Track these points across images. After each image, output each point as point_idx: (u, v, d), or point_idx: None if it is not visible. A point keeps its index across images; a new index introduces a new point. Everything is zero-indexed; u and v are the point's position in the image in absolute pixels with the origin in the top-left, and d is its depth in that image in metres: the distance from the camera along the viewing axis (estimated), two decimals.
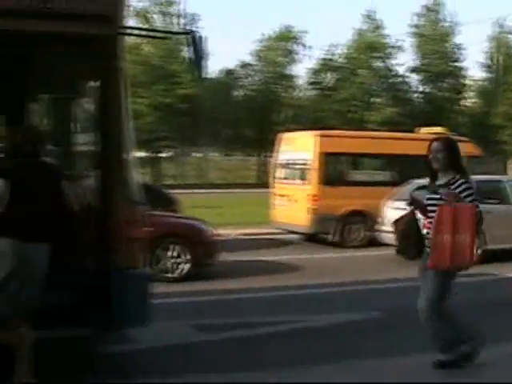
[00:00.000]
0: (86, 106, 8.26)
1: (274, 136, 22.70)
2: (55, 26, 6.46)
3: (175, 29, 50.55)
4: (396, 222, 7.14)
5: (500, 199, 16.34)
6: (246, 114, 56.80)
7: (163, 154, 57.08)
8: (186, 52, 7.03)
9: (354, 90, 57.79)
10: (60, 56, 7.60)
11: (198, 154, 61.13)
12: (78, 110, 8.55)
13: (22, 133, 6.47)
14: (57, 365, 7.04)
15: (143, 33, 9.69)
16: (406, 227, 6.97)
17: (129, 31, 7.10)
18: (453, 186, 6.68)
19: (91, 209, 7.04)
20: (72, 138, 8.76)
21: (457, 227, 6.48)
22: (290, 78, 61.13)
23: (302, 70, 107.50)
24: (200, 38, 7.00)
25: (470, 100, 64.11)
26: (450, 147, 6.88)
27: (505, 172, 43.25)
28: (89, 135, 7.63)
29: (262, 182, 49.91)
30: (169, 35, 8.39)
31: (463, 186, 6.67)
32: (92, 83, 7.15)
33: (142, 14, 52.03)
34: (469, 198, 6.65)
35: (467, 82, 62.18)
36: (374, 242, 17.90)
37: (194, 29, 7.10)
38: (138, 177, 7.50)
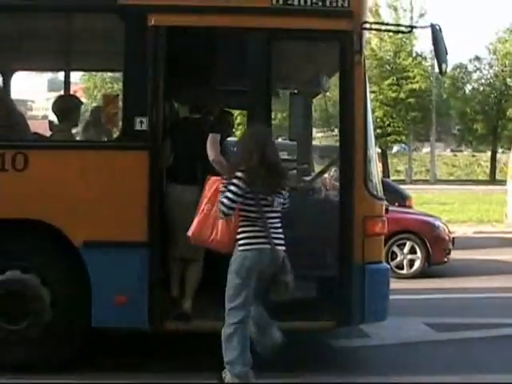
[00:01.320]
0: (330, 101, 8.38)
1: (508, 131, 21.98)
2: (302, 23, 6.63)
3: (403, 23, 50.08)
4: None
5: None
6: (477, 109, 55.36)
7: (393, 150, 56.91)
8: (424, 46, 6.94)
9: None
10: (306, 52, 7.82)
11: (426, 150, 60.33)
12: (322, 105, 8.69)
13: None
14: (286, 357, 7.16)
15: (384, 27, 9.61)
16: None
17: (370, 26, 7.10)
18: None
19: (332, 203, 7.15)
20: (314, 132, 8.92)
21: None
22: None
23: None
24: (440, 31, 6.88)
25: None
26: None
27: None
28: (331, 129, 7.73)
29: (495, 178, 48.56)
30: (409, 29, 8.20)
31: None
32: (336, 79, 7.23)
33: (374, 9, 51.97)
34: None
35: None
36: None
37: (433, 23, 6.91)
38: (378, 172, 7.51)
